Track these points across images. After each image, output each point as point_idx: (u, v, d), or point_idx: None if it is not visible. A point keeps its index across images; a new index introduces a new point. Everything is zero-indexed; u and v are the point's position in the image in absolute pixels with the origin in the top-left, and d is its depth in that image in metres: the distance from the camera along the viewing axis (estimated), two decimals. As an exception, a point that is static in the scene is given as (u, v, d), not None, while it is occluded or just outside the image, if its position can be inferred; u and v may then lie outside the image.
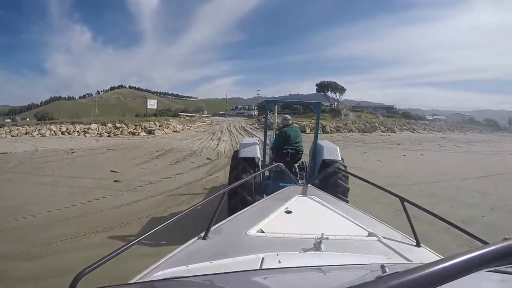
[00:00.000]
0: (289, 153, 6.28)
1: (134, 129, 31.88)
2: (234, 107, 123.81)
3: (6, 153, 18.63)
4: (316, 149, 6.37)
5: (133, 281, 1.20)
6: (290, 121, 6.83)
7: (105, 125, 33.01)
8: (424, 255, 1.65)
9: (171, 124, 35.65)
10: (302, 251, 1.49)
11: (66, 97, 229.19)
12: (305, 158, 7.23)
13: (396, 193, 2.01)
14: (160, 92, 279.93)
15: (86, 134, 30.96)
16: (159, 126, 33.35)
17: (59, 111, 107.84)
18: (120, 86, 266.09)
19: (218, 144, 21.83)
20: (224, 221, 1.89)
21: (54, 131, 32.28)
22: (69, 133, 31.67)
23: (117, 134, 30.53)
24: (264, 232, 1.74)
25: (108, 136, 30.08)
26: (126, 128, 32.08)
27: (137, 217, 6.92)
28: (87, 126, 32.73)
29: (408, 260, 1.54)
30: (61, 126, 33.60)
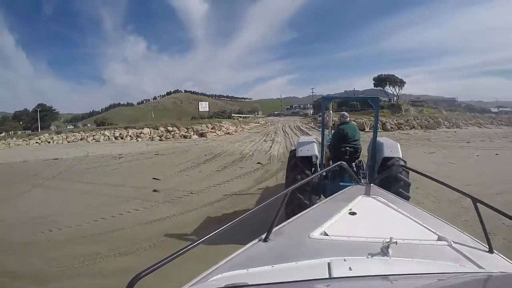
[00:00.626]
0: (347, 151, 6.07)
1: (186, 132, 31.30)
2: (289, 107, 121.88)
3: (57, 159, 18.96)
4: (375, 147, 6.07)
5: (192, 284, 1.17)
6: (348, 119, 6.63)
7: (157, 129, 32.88)
8: (498, 263, 1.51)
9: (223, 126, 34.73)
10: (369, 256, 1.43)
11: (125, 103, 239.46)
12: (362, 157, 6.86)
13: None
14: (215, 95, 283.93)
15: (138, 139, 31.01)
16: (211, 129, 32.53)
17: (118, 117, 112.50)
18: (176, 91, 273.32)
19: (271, 147, 20.22)
20: (285, 223, 1.82)
21: (108, 136, 32.94)
22: (122, 138, 32.12)
23: (169, 138, 30.11)
24: (328, 235, 1.66)
25: (160, 140, 29.82)
26: (178, 131, 31.60)
27: (164, 238, 6.05)
28: (139, 131, 32.87)
29: (480, 267, 1.44)
30: (114, 131, 34.18)
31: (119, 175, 12.63)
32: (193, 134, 30.62)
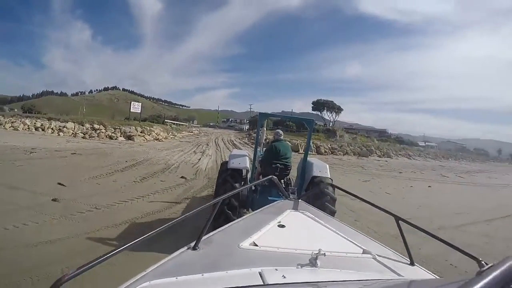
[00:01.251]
0: (278, 168, 6.22)
1: (112, 132, 29.17)
2: (225, 119, 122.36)
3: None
4: (305, 166, 6.35)
5: None
6: (282, 136, 6.79)
7: (82, 125, 30.34)
8: (418, 274, 1.66)
9: (154, 131, 32.88)
10: (299, 266, 1.49)
11: (59, 92, 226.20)
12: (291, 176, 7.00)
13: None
14: (153, 97, 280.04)
15: (60, 133, 28.36)
16: (140, 132, 30.61)
17: (48, 106, 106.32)
18: (114, 88, 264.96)
19: (200, 159, 19.21)
20: (214, 232, 1.86)
21: (28, 126, 29.92)
22: (43, 130, 29.24)
23: (93, 137, 27.81)
24: (257, 245, 1.72)
25: (83, 137, 27.41)
26: (104, 130, 29.42)
27: (48, 268, 4.72)
28: (63, 124, 30.11)
29: (402, 277, 1.56)
30: (36, 121, 31.13)
31: (23, 173, 11.01)
32: (120, 136, 28.62)
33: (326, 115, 62.20)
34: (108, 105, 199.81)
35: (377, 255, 1.74)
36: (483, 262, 1.31)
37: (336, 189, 5.29)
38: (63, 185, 9.73)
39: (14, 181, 9.59)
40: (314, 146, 34.39)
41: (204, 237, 1.67)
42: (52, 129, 29.39)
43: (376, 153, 38.56)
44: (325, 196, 5.54)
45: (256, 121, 8.25)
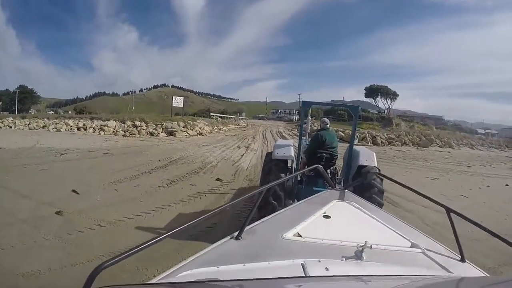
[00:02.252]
0: (323, 157, 5.97)
1: (154, 129, 27.87)
2: (274, 111, 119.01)
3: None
4: (351, 155, 6.19)
5: (159, 279, 1.16)
6: (328, 125, 6.57)
7: (123, 123, 29.44)
8: (469, 271, 1.57)
9: (197, 126, 31.28)
10: (343, 258, 1.44)
11: (110, 93, 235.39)
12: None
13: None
14: (202, 92, 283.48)
15: (101, 132, 27.69)
16: (183, 127, 29.07)
17: (101, 106, 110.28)
18: (163, 85, 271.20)
19: (243, 155, 16.98)
20: (258, 222, 1.78)
21: (71, 126, 29.69)
22: (84, 129, 28.81)
23: (134, 134, 26.69)
24: (301, 236, 1.65)
25: (123, 135, 26.41)
26: (145, 127, 28.20)
27: None
28: (104, 123, 29.53)
29: (452, 274, 1.49)
30: (78, 122, 30.93)
31: (42, 178, 9.82)
32: (161, 132, 27.27)
33: (380, 102, 57.16)
34: (158, 102, 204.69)
35: (426, 249, 1.62)
36: None
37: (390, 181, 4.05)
38: (77, 193, 8.22)
39: (29, 187, 8.49)
40: (370, 137, 31.05)
41: (247, 227, 1.60)
42: (93, 128, 28.85)
43: (436, 143, 34.15)
44: (373, 188, 5.32)
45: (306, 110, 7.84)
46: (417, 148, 30.06)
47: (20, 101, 62.17)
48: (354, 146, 6.38)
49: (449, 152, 28.97)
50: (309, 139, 7.43)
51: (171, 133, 26.94)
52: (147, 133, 26.97)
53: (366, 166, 5.72)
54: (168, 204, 7.47)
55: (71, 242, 5.33)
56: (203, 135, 29.08)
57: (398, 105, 58.60)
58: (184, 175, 10.94)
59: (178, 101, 38.05)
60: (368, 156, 5.94)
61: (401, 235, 1.77)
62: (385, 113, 54.80)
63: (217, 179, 10.41)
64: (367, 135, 31.02)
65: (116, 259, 0.99)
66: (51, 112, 65.38)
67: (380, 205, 4.90)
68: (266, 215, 1.89)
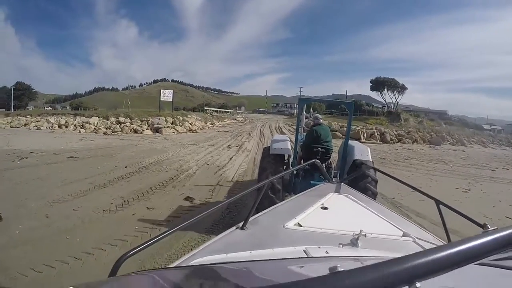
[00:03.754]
0: (319, 152, 6.17)
1: (138, 125, 25.14)
2: (275, 105, 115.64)
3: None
4: (346, 149, 6.33)
5: (171, 267, 1.24)
6: (321, 120, 6.78)
7: (107, 119, 26.84)
8: None
9: (188, 121, 28.45)
10: (341, 245, 1.50)
11: (110, 88, 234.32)
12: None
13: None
14: (203, 87, 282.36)
15: (82, 129, 25.04)
16: (171, 123, 26.30)
17: (99, 101, 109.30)
18: (163, 80, 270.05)
19: (232, 158, 14.13)
20: (261, 213, 1.92)
21: (52, 124, 27.08)
22: (66, 127, 26.22)
23: (117, 131, 23.97)
24: (301, 226, 1.76)
25: (105, 133, 23.66)
26: (129, 123, 25.52)
27: None
28: (86, 120, 27.00)
29: None
30: (60, 119, 28.41)
31: None
32: (146, 129, 24.58)
33: (387, 95, 53.48)
34: (158, 96, 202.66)
35: (417, 238, 1.70)
36: (488, 225, 1.24)
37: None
38: (-1, 219, 5.81)
39: None
40: (378, 133, 28.10)
41: (251, 218, 1.73)
42: (74, 125, 26.38)
43: (447, 140, 31.52)
44: (367, 177, 5.42)
45: (307, 105, 8.03)
46: (430, 147, 27.23)
47: (17, 97, 60.61)
48: (349, 141, 6.49)
49: (463, 151, 26.14)
50: (305, 133, 7.53)
51: (157, 130, 24.27)
52: (130, 130, 24.30)
53: (360, 160, 5.80)
54: (99, 247, 4.96)
55: None
56: (193, 132, 26.30)
57: (393, 99, 54.82)
58: (146, 190, 8.27)
59: (167, 95, 34.90)
60: (362, 151, 6.03)
61: (393, 225, 1.86)
62: (392, 107, 51.39)
63: (187, 198, 7.65)
64: (376, 132, 28.12)
65: (138, 249, 1.12)
66: (49, 108, 65.38)
67: (375, 194, 5.32)
68: (266, 207, 1.99)
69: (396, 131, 30.83)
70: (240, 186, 9.09)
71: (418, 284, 0.50)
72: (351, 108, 6.69)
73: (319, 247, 1.40)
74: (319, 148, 6.18)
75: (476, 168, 16.61)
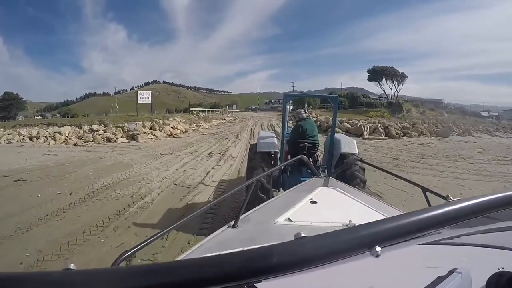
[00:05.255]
0: (305, 147, 6.21)
1: (113, 133, 22.48)
2: (267, 101, 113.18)
3: None
4: (333, 143, 6.35)
5: None
6: (305, 115, 6.81)
7: (80, 128, 24.22)
8: None
9: (169, 124, 25.77)
10: None
11: (101, 93, 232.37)
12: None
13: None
14: (195, 87, 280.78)
15: (52, 141, 22.29)
16: (150, 128, 23.65)
17: (90, 107, 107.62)
18: (154, 82, 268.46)
19: (210, 171, 11.43)
20: (251, 211, 1.96)
21: (23, 136, 24.11)
22: (37, 138, 23.34)
23: (88, 141, 21.29)
24: (292, 221, 1.79)
25: (75, 144, 20.90)
26: (103, 131, 22.92)
27: None
28: (58, 130, 24.16)
29: None
30: (32, 130, 25.36)
31: None
32: (121, 136, 21.97)
33: (386, 85, 50.31)
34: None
35: None
36: (451, 196, 1.12)
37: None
38: None
39: None
40: (382, 127, 25.54)
41: (241, 216, 1.76)
42: (45, 137, 23.51)
43: (454, 131, 29.29)
44: (354, 166, 5.49)
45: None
46: (439, 139, 24.90)
47: (5, 108, 58.57)
48: (335, 134, 6.48)
49: (475, 142, 23.92)
50: (290, 128, 7.47)
51: (132, 137, 21.66)
52: (103, 139, 21.60)
53: (347, 153, 5.80)
54: None
55: None
56: (173, 137, 23.53)
57: (393, 89, 51.96)
58: (76, 237, 5.89)
59: (144, 96, 31.86)
60: (349, 144, 6.05)
61: (380, 213, 1.88)
62: (392, 97, 48.63)
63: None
64: (379, 126, 25.57)
65: (138, 247, 1.15)
66: (39, 117, 65.29)
67: (364, 182, 5.55)
68: (255, 206, 2.00)
69: (400, 123, 28.41)
70: (217, 220, 6.54)
71: (378, 249, 0.52)
72: (336, 102, 6.68)
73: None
74: (306, 143, 6.22)
75: (501, 164, 14.34)
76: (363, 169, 5.66)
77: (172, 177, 10.53)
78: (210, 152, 15.53)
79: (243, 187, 2.10)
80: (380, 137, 23.72)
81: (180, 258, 1.30)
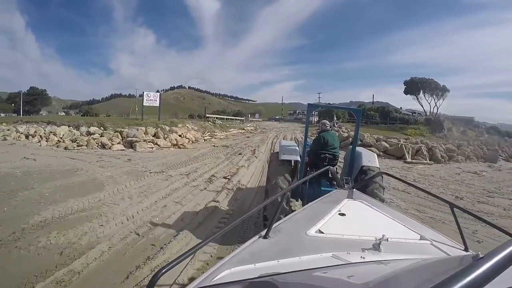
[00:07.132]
0: (326, 158, 6.16)
1: (110, 137, 19.63)
2: (292, 112, 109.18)
3: None
4: (354, 156, 6.23)
5: (200, 281, 1.19)
6: (328, 126, 6.64)
7: (77, 129, 21.73)
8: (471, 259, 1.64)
9: (176, 132, 22.64)
10: (365, 251, 1.55)
11: (127, 94, 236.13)
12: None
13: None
14: (220, 94, 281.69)
15: (45, 142, 19.93)
16: (153, 135, 20.68)
17: (114, 107, 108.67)
18: (180, 87, 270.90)
19: (198, 212, 7.75)
20: (280, 222, 1.92)
21: (20, 134, 22.17)
22: (33, 137, 21.21)
23: (82, 145, 18.47)
24: (323, 233, 1.79)
25: (66, 148, 18.11)
26: (100, 135, 20.16)
27: None
28: (54, 129, 21.91)
29: None
30: (29, 128, 23.42)
31: None
32: (119, 142, 19.04)
33: (424, 99, 45.15)
34: (174, 103, 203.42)
35: (434, 240, 1.77)
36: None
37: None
38: None
39: None
40: (425, 148, 21.42)
41: (273, 226, 1.72)
42: (40, 136, 21.26)
43: (500, 156, 25.21)
44: (374, 183, 5.39)
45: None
46: (488, 166, 20.77)
47: (30, 102, 59.28)
48: (356, 148, 6.34)
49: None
50: (312, 139, 7.33)
51: (131, 144, 18.64)
52: (98, 144, 18.71)
53: (368, 166, 5.74)
54: None
55: None
56: (179, 147, 20.07)
57: (418, 105, 47.22)
58: None
59: (152, 99, 28.34)
60: (370, 157, 5.99)
61: (410, 229, 1.93)
62: (430, 114, 44.12)
63: None
64: (422, 147, 21.55)
65: (173, 263, 1.11)
66: (63, 113, 70.94)
67: (382, 201, 5.04)
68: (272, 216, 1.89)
69: (444, 144, 24.27)
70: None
71: None
72: (359, 115, 6.48)
73: (349, 253, 1.42)
74: (326, 154, 6.14)
75: None
76: (383, 188, 5.57)
77: (141, 217, 7.11)
78: (213, 175, 11.76)
79: (273, 199, 2.11)
80: (424, 161, 19.70)
81: (215, 268, 1.24)
